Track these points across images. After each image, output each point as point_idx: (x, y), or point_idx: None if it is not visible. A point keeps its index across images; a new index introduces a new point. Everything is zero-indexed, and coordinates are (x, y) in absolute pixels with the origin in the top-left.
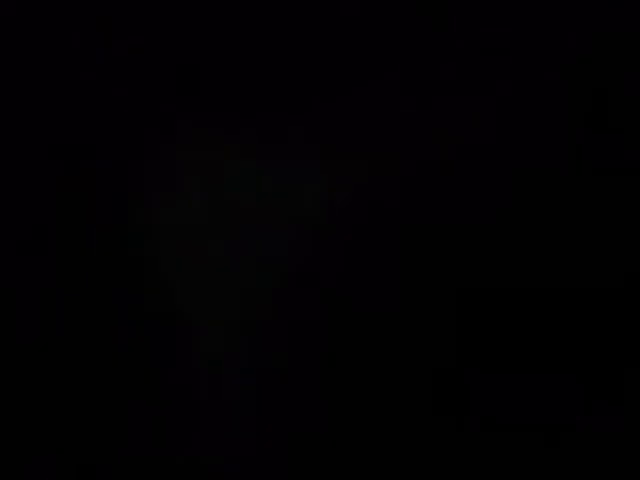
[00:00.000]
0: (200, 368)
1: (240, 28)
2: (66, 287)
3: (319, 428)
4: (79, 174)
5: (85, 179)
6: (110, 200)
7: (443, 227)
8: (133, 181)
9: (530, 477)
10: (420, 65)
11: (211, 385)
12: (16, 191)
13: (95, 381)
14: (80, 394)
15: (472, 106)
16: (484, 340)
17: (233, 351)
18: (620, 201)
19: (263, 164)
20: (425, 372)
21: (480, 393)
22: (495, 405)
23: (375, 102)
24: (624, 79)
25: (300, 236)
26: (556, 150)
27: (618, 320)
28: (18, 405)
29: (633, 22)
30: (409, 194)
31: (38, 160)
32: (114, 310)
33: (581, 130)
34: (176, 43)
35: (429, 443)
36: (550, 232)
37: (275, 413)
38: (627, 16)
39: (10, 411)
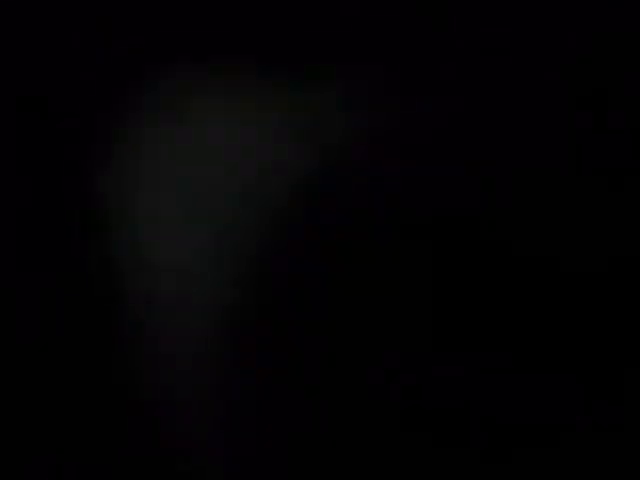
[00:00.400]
0: (198, 367)
1: (233, 14)
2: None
3: (319, 428)
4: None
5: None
6: (83, 185)
7: (442, 226)
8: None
9: (530, 477)
10: (420, 65)
11: (210, 385)
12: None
13: (94, 381)
14: (77, 394)
15: (472, 106)
16: (484, 340)
17: (232, 350)
18: (620, 201)
19: (246, 147)
20: (424, 371)
21: (480, 393)
22: (495, 405)
23: (374, 102)
24: (624, 79)
25: (282, 229)
26: (556, 150)
27: (618, 320)
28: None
29: (633, 22)
30: (408, 196)
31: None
32: (101, 301)
33: (581, 130)
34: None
35: (429, 443)
36: (549, 233)
37: (275, 413)
38: (627, 16)
39: None
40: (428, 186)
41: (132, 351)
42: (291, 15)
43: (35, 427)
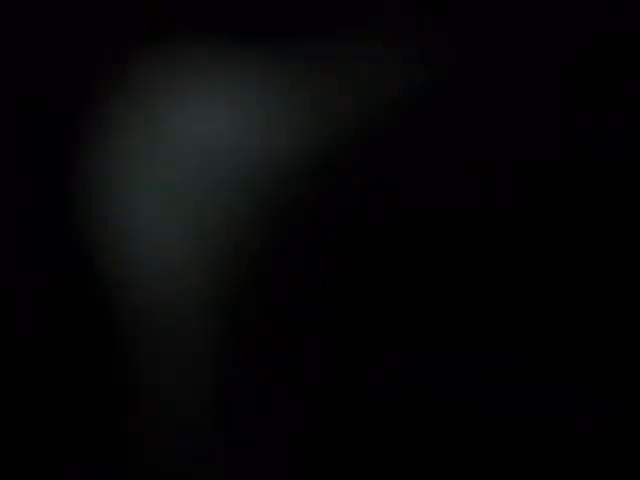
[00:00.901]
0: (197, 367)
1: None
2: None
3: (319, 428)
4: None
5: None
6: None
7: (442, 226)
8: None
9: (530, 477)
10: (417, 65)
11: (209, 386)
12: None
13: (93, 381)
14: (74, 393)
15: (472, 107)
16: (484, 340)
17: (230, 350)
18: (620, 201)
19: (238, 136)
20: (424, 371)
21: (480, 393)
22: (495, 405)
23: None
24: (624, 79)
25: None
26: (556, 150)
27: (618, 320)
28: None
29: (633, 22)
30: (408, 196)
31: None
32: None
33: (581, 130)
34: None
35: (429, 443)
36: (549, 233)
37: (274, 413)
38: (627, 16)
39: None
40: (428, 186)
41: (131, 351)
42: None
43: (32, 427)
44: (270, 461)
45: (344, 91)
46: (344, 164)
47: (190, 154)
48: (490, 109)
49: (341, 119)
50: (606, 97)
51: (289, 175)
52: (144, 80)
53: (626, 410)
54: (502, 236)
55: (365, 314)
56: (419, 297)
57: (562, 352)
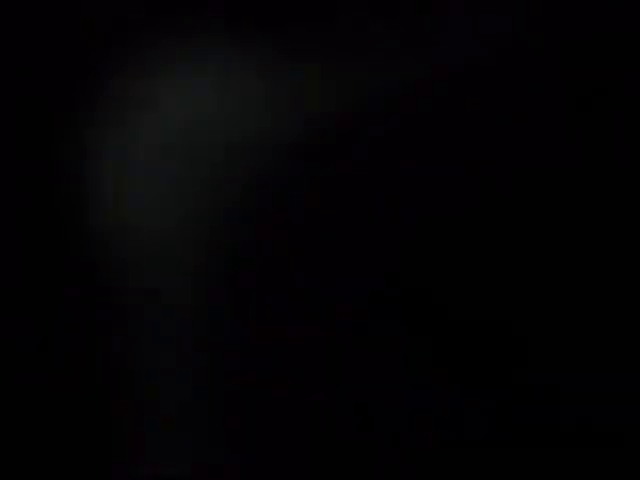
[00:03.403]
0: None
1: None
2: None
3: (311, 430)
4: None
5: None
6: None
7: (438, 225)
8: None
9: (531, 477)
10: (417, 63)
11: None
12: None
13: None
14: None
15: (471, 108)
16: (483, 339)
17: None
18: (620, 201)
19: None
20: (423, 373)
21: (479, 393)
22: (495, 405)
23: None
24: (624, 79)
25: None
26: (556, 150)
27: (618, 322)
28: None
29: (633, 22)
30: (408, 196)
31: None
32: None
33: (581, 130)
34: None
35: (429, 443)
36: (549, 233)
37: (271, 414)
38: (627, 16)
39: None
40: (428, 186)
41: (130, 340)
42: None
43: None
44: (256, 453)
45: (335, 73)
46: (335, 145)
47: (186, 137)
48: (489, 109)
49: (331, 99)
50: (606, 97)
51: (279, 156)
52: (142, 65)
53: (626, 410)
54: (502, 236)
55: (362, 313)
56: (416, 297)
57: (562, 353)
